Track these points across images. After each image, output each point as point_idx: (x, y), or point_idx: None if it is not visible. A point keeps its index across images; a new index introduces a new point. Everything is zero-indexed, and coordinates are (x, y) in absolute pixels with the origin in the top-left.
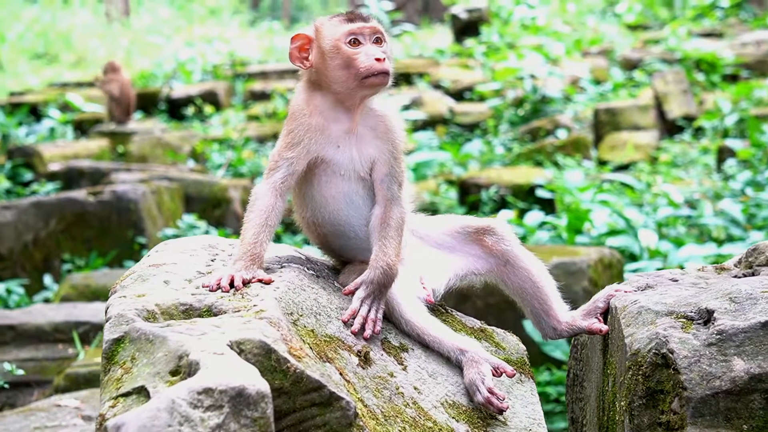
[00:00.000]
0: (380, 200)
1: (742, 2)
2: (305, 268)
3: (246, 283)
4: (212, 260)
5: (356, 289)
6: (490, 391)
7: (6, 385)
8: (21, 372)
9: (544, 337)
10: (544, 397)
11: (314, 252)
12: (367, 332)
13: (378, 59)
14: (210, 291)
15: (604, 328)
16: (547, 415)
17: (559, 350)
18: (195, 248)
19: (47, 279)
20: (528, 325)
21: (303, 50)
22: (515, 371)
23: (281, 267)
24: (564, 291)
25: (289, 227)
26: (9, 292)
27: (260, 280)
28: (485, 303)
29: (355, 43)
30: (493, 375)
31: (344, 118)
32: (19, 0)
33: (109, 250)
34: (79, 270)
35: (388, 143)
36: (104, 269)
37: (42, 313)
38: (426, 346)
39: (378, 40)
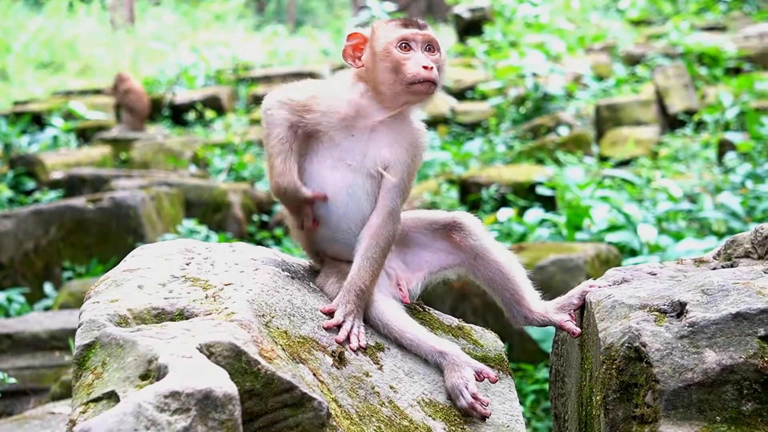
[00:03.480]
0: (380, 209)
1: None
2: (280, 270)
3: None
4: (187, 264)
5: (333, 310)
6: (474, 397)
7: None
8: (13, 381)
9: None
10: (543, 395)
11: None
12: (353, 344)
13: (425, 67)
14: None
15: (576, 330)
16: (547, 412)
17: None
18: (171, 252)
19: (48, 287)
20: None
21: (357, 49)
22: (498, 376)
23: (255, 269)
24: (562, 288)
25: (289, 230)
26: (10, 300)
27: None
28: (483, 301)
29: (405, 47)
30: (476, 380)
31: (374, 116)
32: (24, 10)
33: (109, 256)
34: (80, 277)
35: (407, 156)
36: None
37: (38, 321)
38: (405, 348)
39: (430, 49)
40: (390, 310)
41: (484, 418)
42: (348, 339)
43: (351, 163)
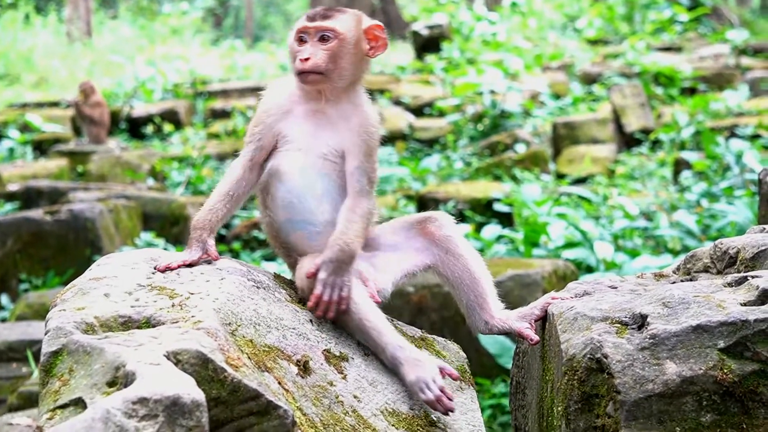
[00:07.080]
0: (350, 192)
1: (700, 17)
2: (246, 279)
3: (191, 264)
4: (153, 273)
5: (317, 270)
6: (442, 390)
7: None
8: None
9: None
10: (499, 409)
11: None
12: (331, 314)
13: (301, 59)
14: (159, 271)
15: (535, 338)
16: (503, 426)
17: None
18: (136, 261)
19: (4, 299)
20: (483, 338)
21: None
22: (459, 376)
23: (221, 279)
24: (519, 303)
25: (247, 244)
26: None
27: (207, 254)
28: (440, 316)
29: (301, 41)
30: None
31: (312, 102)
32: None
33: (66, 268)
34: (37, 289)
35: (360, 137)
36: (61, 288)
37: None
38: (364, 334)
39: (323, 39)
40: (357, 291)
41: (447, 412)
42: (327, 310)
43: (301, 147)
